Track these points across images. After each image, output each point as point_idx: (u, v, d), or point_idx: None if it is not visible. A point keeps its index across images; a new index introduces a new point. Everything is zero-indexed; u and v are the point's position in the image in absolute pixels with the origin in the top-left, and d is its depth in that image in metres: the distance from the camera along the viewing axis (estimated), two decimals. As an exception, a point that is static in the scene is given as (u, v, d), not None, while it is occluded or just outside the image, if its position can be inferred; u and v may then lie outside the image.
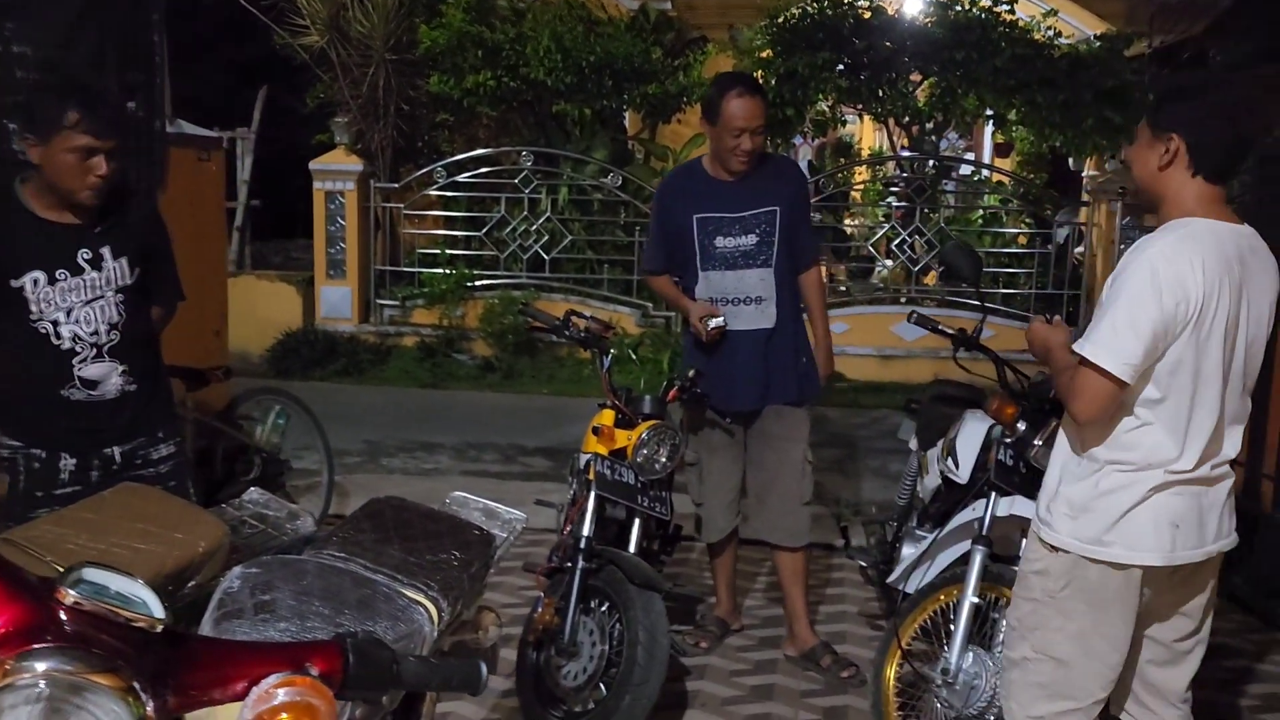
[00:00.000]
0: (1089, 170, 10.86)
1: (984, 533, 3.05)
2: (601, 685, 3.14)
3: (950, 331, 3.31)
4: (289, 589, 1.75)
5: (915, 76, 10.06)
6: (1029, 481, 3.13)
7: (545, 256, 10.13)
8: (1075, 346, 2.28)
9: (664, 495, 3.44)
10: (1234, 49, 10.64)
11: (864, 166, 11.12)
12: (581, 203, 10.55)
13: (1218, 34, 10.58)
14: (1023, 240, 10.70)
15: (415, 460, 6.82)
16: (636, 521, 3.41)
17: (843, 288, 10.37)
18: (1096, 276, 9.91)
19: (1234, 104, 2.34)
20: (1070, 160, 11.50)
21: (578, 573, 3.20)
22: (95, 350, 2.76)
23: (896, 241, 9.91)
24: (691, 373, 3.59)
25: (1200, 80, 2.46)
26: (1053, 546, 2.38)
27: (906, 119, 10.20)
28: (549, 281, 10.12)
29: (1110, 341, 2.21)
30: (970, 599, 2.99)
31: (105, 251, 2.76)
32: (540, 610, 3.21)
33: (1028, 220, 10.57)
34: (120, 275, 2.79)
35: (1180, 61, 10.75)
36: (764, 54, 9.92)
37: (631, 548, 3.38)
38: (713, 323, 3.54)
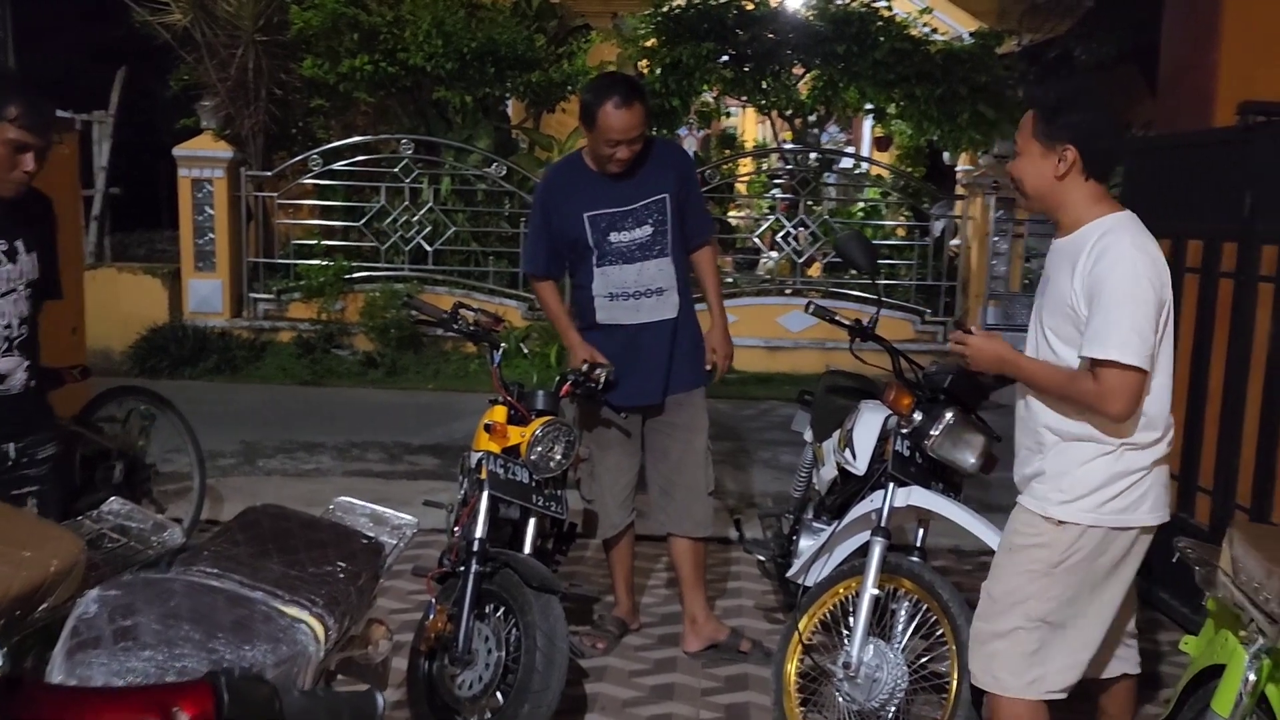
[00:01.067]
0: (963, 164, 11.16)
1: (883, 524, 3.03)
2: (499, 694, 3.01)
3: (846, 322, 3.29)
4: (153, 612, 1.57)
5: (798, 70, 10.16)
6: (926, 471, 3.14)
7: (428, 248, 9.86)
8: (1096, 354, 2.36)
9: (559, 493, 3.32)
10: (1097, 48, 11.11)
11: (748, 158, 11.17)
12: (465, 193, 10.31)
13: (1081, 34, 11.01)
14: (901, 232, 10.93)
15: (295, 461, 6.52)
16: (531, 521, 3.28)
17: (730, 279, 10.40)
18: (972, 268, 10.18)
19: (1114, 108, 2.42)
20: (945, 155, 11.80)
21: (471, 577, 3.06)
22: (6, 344, 2.76)
23: (782, 233, 9.98)
24: (585, 366, 3.48)
25: (1081, 88, 2.53)
26: (1059, 521, 2.47)
27: (789, 111, 10.28)
28: (432, 274, 9.85)
29: (1130, 339, 2.32)
30: (870, 591, 2.97)
31: (19, 245, 2.77)
32: (432, 617, 3.05)
33: (906, 213, 10.79)
34: (31, 269, 2.81)
35: (1048, 60, 11.15)
36: (649, 43, 9.87)
37: (527, 549, 3.25)
38: (599, 371, 3.44)
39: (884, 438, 3.28)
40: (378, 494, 5.75)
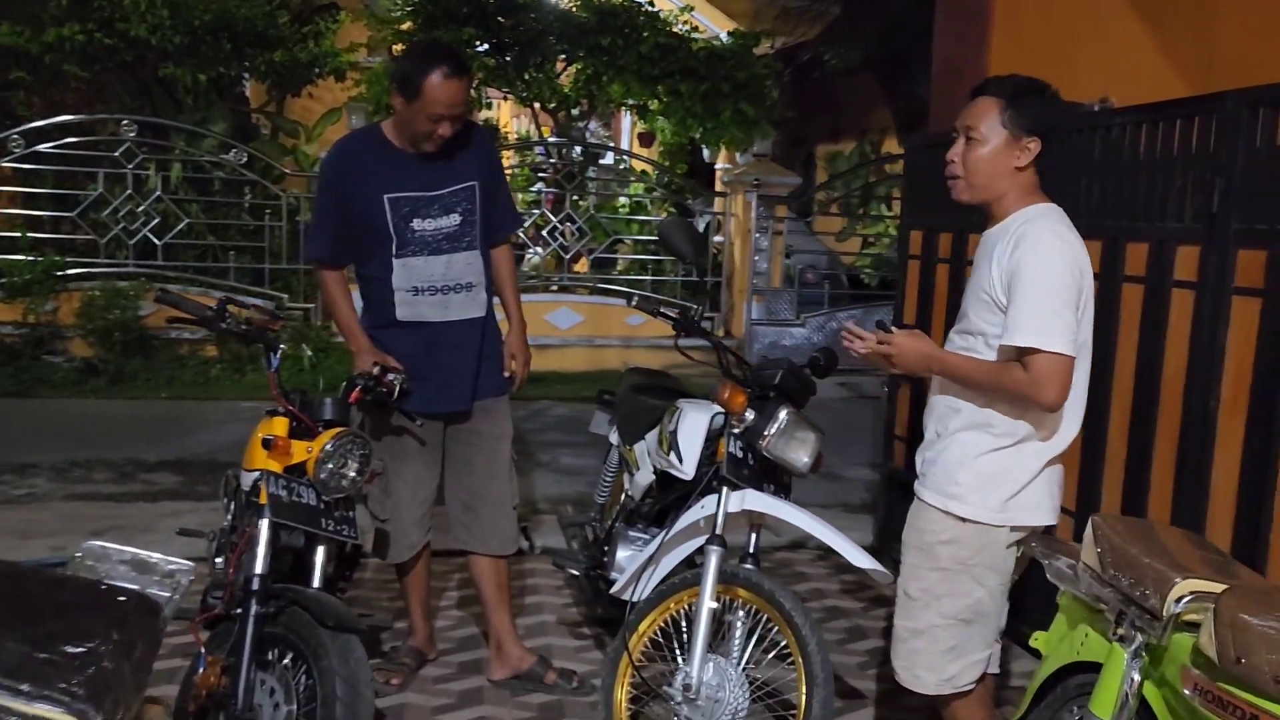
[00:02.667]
0: (722, 162, 11.33)
1: (718, 531, 2.82)
2: (289, 756, 2.55)
3: (673, 315, 3.05)
4: None
5: (559, 64, 9.94)
6: (760, 474, 2.96)
7: (157, 242, 8.87)
8: (1020, 341, 2.29)
9: (350, 515, 2.89)
10: (845, 54, 11.62)
11: (511, 151, 10.84)
12: (199, 181, 9.37)
13: (830, 39, 11.48)
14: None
15: (3, 486, 5.58)
16: (320, 550, 2.83)
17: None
18: (735, 264, 10.33)
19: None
20: (705, 152, 11.95)
21: (251, 620, 2.58)
22: None
23: (548, 229, 9.72)
24: (376, 369, 3.06)
25: (1032, 79, 2.45)
26: (962, 518, 2.42)
27: (553, 104, 10.05)
28: (163, 270, 8.86)
29: (1055, 324, 2.27)
30: (708, 604, 2.75)
31: None
32: (203, 671, 2.55)
33: (671, 209, 10.82)
34: None
35: (801, 62, 11.54)
36: (404, 26, 9.33)
37: (316, 581, 2.80)
38: (391, 377, 3.05)
39: (710, 438, 3.07)
40: (111, 519, 5.01)
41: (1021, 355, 2.30)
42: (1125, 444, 3.46)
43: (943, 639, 2.46)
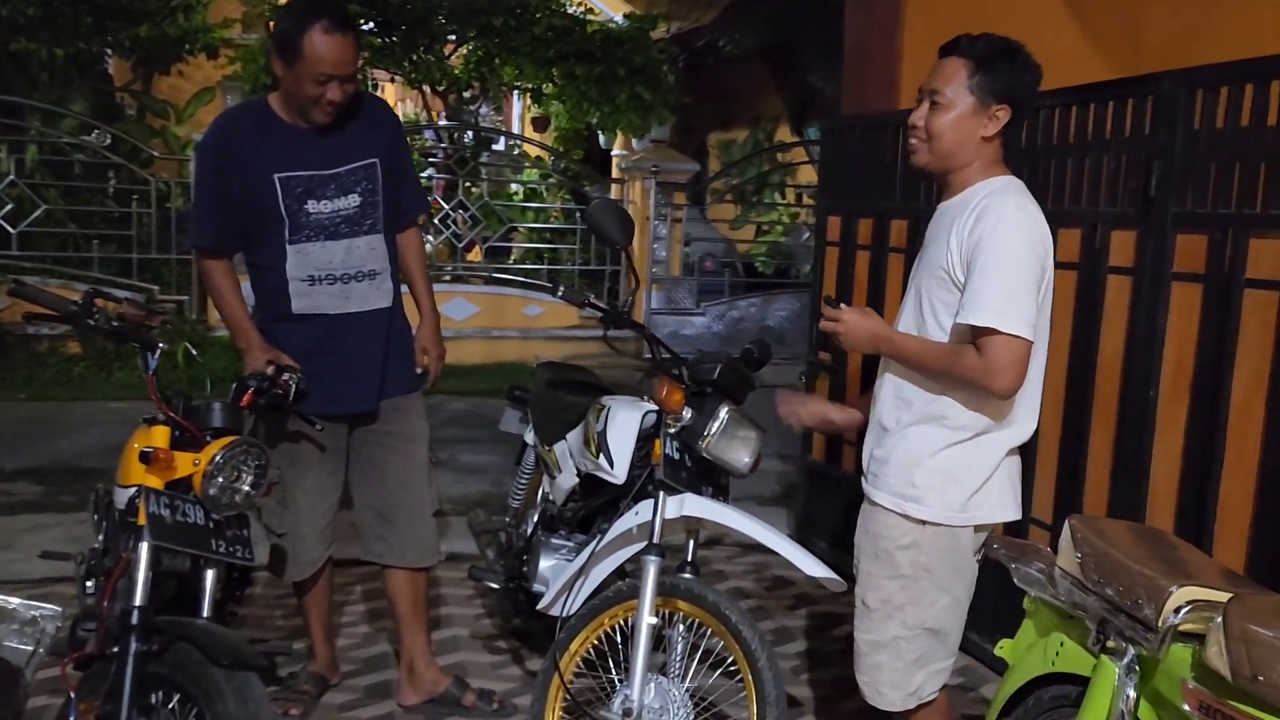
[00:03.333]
0: (617, 149, 11.12)
1: (655, 540, 2.60)
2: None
3: (603, 307, 2.82)
4: None
5: (449, 45, 9.56)
6: (697, 476, 2.76)
7: (11, 230, 8.18)
8: (976, 321, 2.13)
9: (244, 534, 2.57)
10: (740, 39, 11.53)
11: (400, 135, 10.41)
12: (57, 165, 8.68)
13: (725, 24, 11.37)
14: (556, 215, 10.67)
15: None
16: (209, 574, 2.51)
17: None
18: (634, 252, 10.13)
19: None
20: (601, 138, 11.71)
21: (130, 660, 2.25)
22: None
23: (440, 216, 9.34)
24: (270, 369, 2.75)
25: (1007, 43, 2.26)
26: (922, 521, 2.26)
27: (443, 87, 9.66)
28: (18, 261, 8.18)
29: (1013, 307, 2.12)
30: (648, 620, 2.53)
31: None
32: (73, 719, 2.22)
33: (566, 196, 10.55)
34: None
35: (696, 48, 11.40)
36: (282, 1, 8.80)
37: (205, 610, 2.48)
38: (287, 377, 2.73)
39: (642, 439, 2.86)
40: (-39, 538, 4.52)
41: (976, 338, 2.15)
42: (1058, 435, 3.38)
43: (906, 651, 2.30)
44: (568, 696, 2.69)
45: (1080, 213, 3.30)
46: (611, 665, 2.68)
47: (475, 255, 10.01)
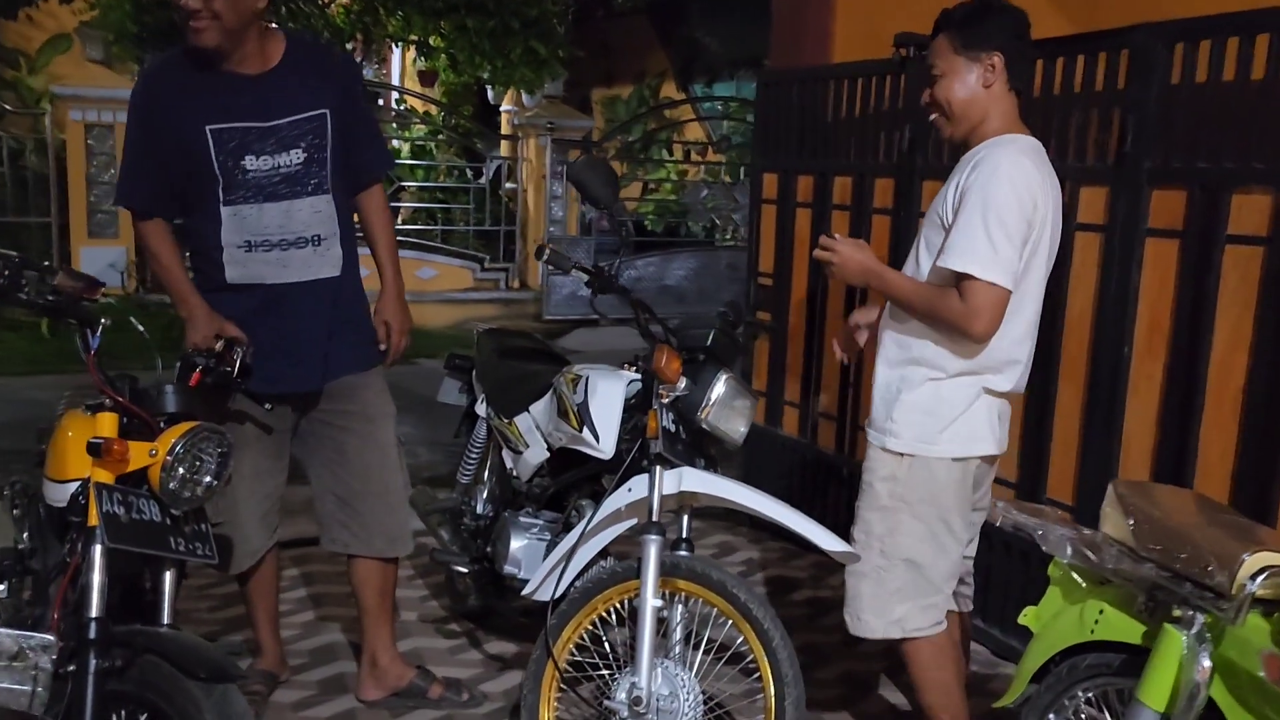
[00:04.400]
0: (508, 104, 10.76)
1: (655, 518, 2.46)
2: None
3: (591, 270, 2.63)
4: None
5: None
6: (690, 448, 2.62)
7: None
8: (956, 266, 2.23)
9: (202, 528, 2.30)
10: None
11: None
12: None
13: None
14: (446, 173, 10.29)
15: None
16: (169, 576, 2.23)
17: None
18: (529, 212, 9.86)
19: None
20: (490, 93, 11.30)
21: (89, 678, 1.99)
22: None
23: (324, 175, 8.84)
24: (219, 344, 2.46)
25: (977, 2, 2.38)
26: (899, 453, 2.38)
27: (325, 38, 9.11)
28: None
29: (993, 255, 2.20)
30: (652, 602, 2.39)
31: None
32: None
33: (457, 153, 10.17)
34: None
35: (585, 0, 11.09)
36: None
37: (166, 617, 2.21)
38: (236, 351, 2.42)
39: (630, 410, 2.70)
40: None
41: (959, 282, 2.24)
42: (1023, 398, 3.36)
43: (888, 580, 2.41)
44: (563, 687, 2.53)
45: (1046, 169, 3.27)
46: (607, 650, 2.54)
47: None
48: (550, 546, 2.96)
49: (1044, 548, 2.17)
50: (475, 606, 3.48)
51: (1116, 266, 3.02)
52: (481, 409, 3.40)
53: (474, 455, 3.51)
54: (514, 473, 3.15)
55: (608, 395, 2.70)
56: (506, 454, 3.20)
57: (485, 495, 3.46)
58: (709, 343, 2.61)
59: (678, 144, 13.08)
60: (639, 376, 2.76)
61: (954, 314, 2.25)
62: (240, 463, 2.71)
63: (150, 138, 2.60)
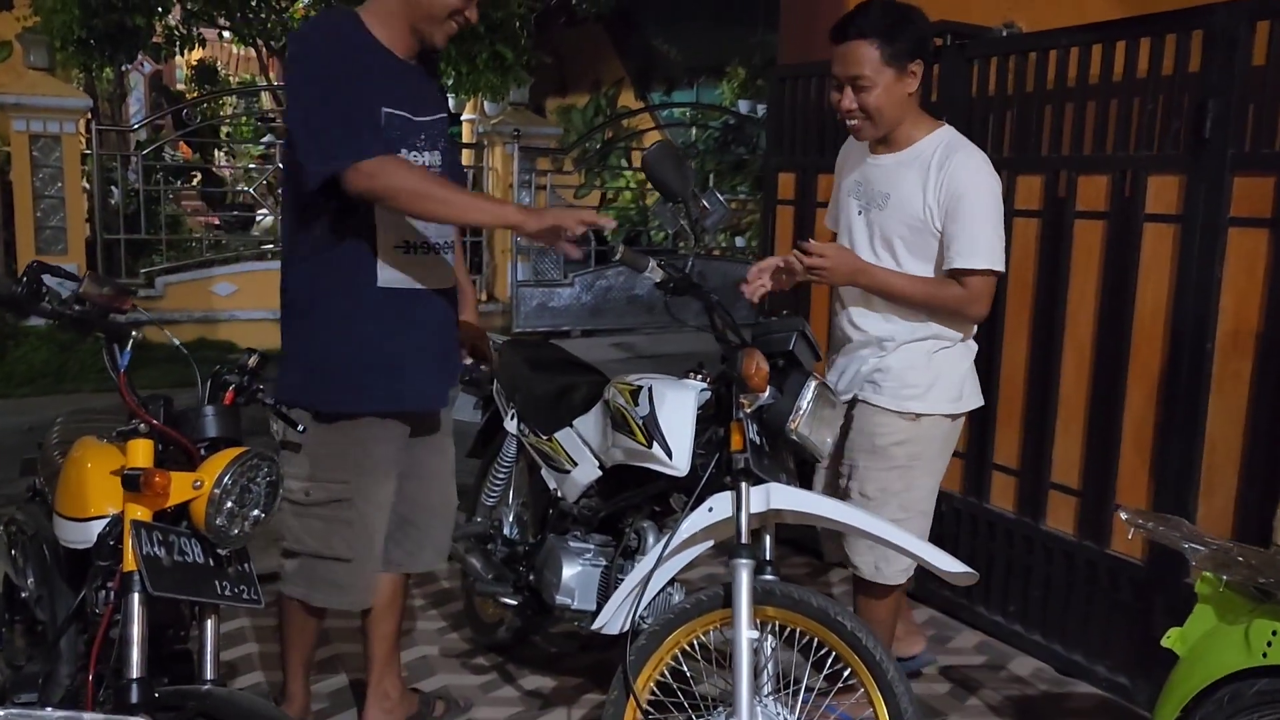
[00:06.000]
0: (468, 113, 10.46)
1: (744, 540, 2.22)
2: None
3: (670, 272, 2.37)
4: None
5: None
6: (775, 461, 2.39)
7: None
8: (970, 264, 2.51)
9: (246, 568, 2.02)
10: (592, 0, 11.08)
11: (234, 98, 9.38)
12: None
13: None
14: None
15: None
16: (210, 624, 1.95)
17: (223, 240, 8.66)
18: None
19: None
20: (451, 100, 10.98)
21: (133, 751, 1.70)
22: None
23: (282, 187, 8.48)
24: (253, 360, 2.17)
25: (896, 6, 2.54)
26: (915, 415, 2.65)
27: (281, 44, 8.76)
28: None
29: (995, 247, 2.53)
30: (748, 634, 2.16)
31: None
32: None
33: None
34: None
35: (551, 5, 10.86)
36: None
37: (210, 672, 1.92)
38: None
39: (704, 422, 2.46)
40: None
41: (964, 274, 2.52)
42: (1085, 396, 3.21)
43: (908, 527, 2.52)
44: (648, 729, 2.28)
45: (1107, 159, 3.12)
46: (693, 685, 2.29)
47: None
48: (605, 573, 2.72)
49: (1193, 562, 1.98)
50: (505, 638, 3.22)
51: (1196, 258, 2.86)
52: (511, 425, 3.13)
53: (501, 475, 3.25)
54: (558, 493, 2.89)
55: (679, 407, 2.46)
56: (548, 473, 2.93)
57: (514, 518, 3.21)
58: (791, 347, 2.38)
59: (637, 151, 12.86)
60: (705, 385, 2.53)
61: (957, 301, 2.55)
62: (374, 491, 2.44)
63: (357, 78, 2.17)
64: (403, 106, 2.24)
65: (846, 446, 2.73)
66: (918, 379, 2.63)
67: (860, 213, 2.70)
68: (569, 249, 2.19)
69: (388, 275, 2.30)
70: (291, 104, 2.20)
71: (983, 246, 2.50)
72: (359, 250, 2.27)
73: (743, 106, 12.73)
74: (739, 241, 11.57)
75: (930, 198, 2.53)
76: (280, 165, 8.59)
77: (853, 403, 2.73)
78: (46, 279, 1.80)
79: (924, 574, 2.91)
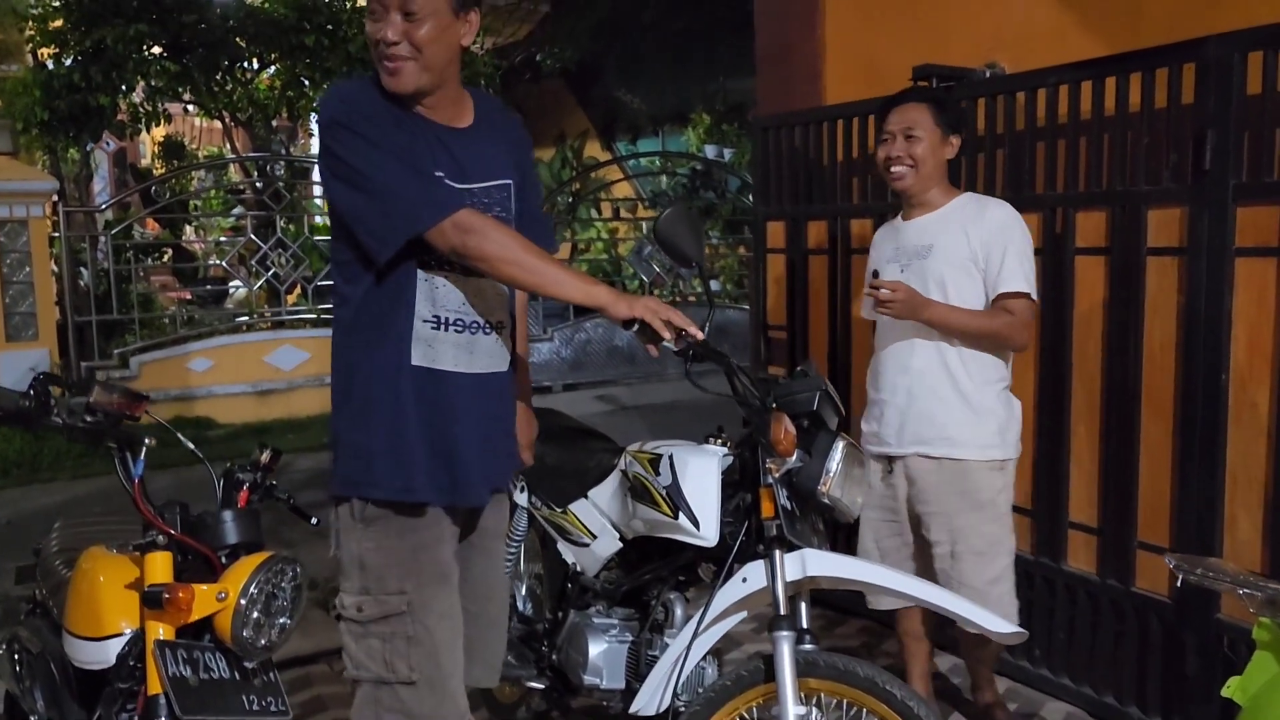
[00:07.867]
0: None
1: (783, 610, 2.15)
2: None
3: (683, 340, 2.28)
4: None
5: (254, 68, 8.64)
6: (807, 525, 2.32)
7: None
8: (1014, 287, 2.72)
9: (272, 678, 1.92)
10: (559, 54, 11.14)
11: (202, 172, 9.30)
12: None
13: (541, 40, 10.95)
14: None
15: None
16: (236, 740, 1.85)
17: (196, 316, 8.53)
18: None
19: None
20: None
21: None
22: None
23: (257, 256, 8.39)
24: (265, 455, 2.08)
25: (941, 90, 3.15)
26: (1002, 461, 2.80)
27: (248, 114, 8.72)
28: None
29: (1031, 277, 2.77)
30: (795, 710, 2.08)
31: None
32: None
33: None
34: None
35: (515, 63, 10.91)
36: (55, 24, 7.68)
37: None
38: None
39: (730, 489, 2.39)
40: None
41: (1007, 301, 2.72)
42: (1099, 432, 3.17)
43: (1010, 576, 2.81)
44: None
45: (1104, 194, 3.11)
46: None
47: (293, 298, 9.06)
48: (633, 649, 2.64)
49: (1251, 609, 1.92)
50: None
51: (1205, 290, 2.85)
52: (521, 498, 3.05)
53: (511, 550, 3.15)
54: (576, 567, 2.80)
55: (702, 475, 2.39)
56: (564, 547, 2.85)
57: (527, 593, 3.12)
58: (815, 407, 2.33)
59: (605, 202, 12.90)
60: (726, 450, 2.47)
61: (1008, 327, 2.72)
62: (435, 600, 2.12)
63: (400, 139, 2.01)
64: (451, 174, 2.07)
65: (930, 514, 2.81)
66: (997, 424, 2.78)
67: (903, 270, 2.83)
68: (650, 349, 2.09)
69: (421, 353, 2.10)
70: (346, 173, 2.00)
71: (1022, 274, 2.72)
72: (394, 326, 2.09)
73: (709, 151, 12.82)
74: (714, 285, 11.58)
75: (975, 241, 2.74)
76: (252, 237, 8.54)
77: (912, 456, 2.84)
78: (54, 390, 1.72)
79: (946, 622, 2.81)
